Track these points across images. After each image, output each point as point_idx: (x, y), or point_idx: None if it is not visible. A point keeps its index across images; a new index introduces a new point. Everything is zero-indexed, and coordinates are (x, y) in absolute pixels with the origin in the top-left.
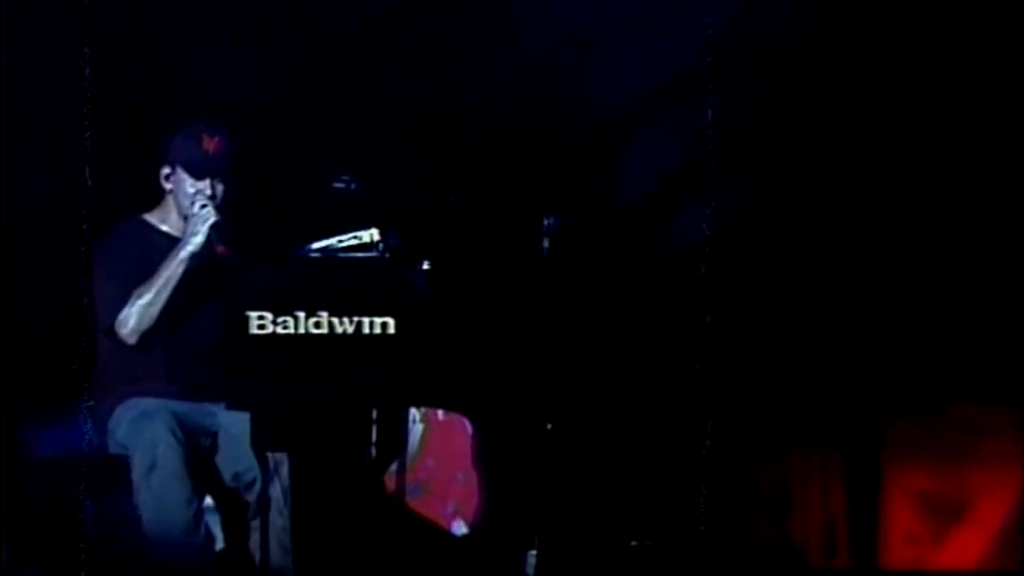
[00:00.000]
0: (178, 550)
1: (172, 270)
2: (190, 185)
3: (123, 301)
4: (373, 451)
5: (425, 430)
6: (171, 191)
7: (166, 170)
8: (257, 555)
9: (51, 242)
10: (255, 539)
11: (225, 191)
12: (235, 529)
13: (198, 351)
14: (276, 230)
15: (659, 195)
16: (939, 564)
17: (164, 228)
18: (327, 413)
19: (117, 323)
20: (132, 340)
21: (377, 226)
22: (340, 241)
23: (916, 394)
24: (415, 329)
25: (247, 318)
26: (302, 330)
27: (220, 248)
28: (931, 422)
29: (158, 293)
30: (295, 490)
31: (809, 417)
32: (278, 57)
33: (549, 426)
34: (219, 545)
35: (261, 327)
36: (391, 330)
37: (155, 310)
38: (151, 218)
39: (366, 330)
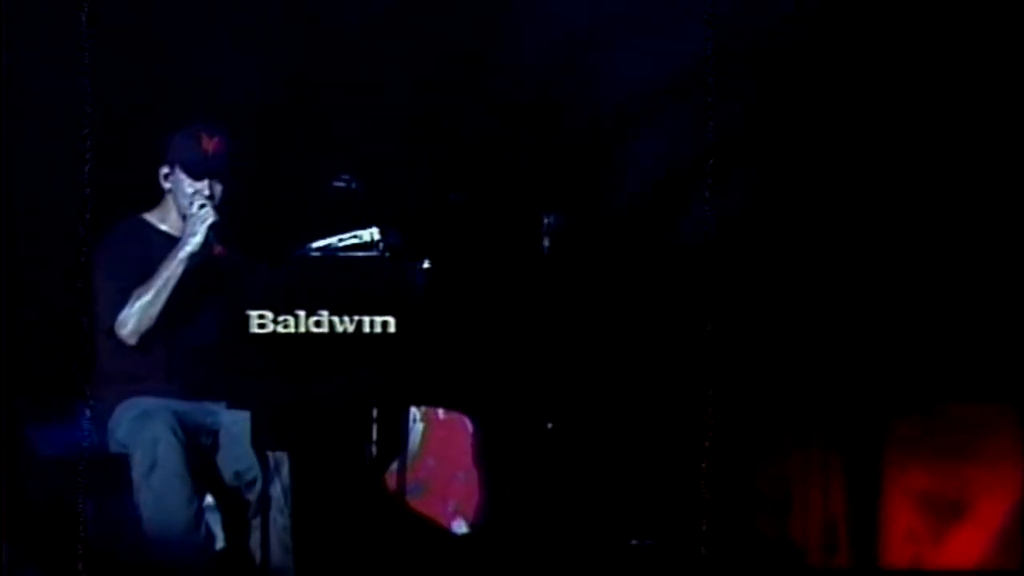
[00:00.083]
0: (179, 549)
1: (171, 270)
2: (188, 185)
3: (123, 301)
4: (374, 450)
5: (426, 429)
6: (170, 191)
7: (165, 170)
8: (258, 554)
9: (51, 242)
10: (256, 538)
11: (224, 191)
12: (236, 528)
13: (199, 351)
14: (276, 230)
15: (659, 194)
16: (939, 563)
17: (164, 228)
18: (328, 412)
19: (117, 324)
20: (132, 341)
21: (377, 225)
22: (340, 240)
23: (916, 393)
24: (415, 328)
25: (247, 317)
26: (302, 329)
27: (218, 249)
28: (931, 421)
29: (157, 293)
30: (296, 489)
31: (809, 417)
32: (278, 57)
33: (549, 425)
34: (220, 544)
35: (261, 326)
36: (391, 329)
37: (155, 311)
38: (151, 218)
39: (366, 329)
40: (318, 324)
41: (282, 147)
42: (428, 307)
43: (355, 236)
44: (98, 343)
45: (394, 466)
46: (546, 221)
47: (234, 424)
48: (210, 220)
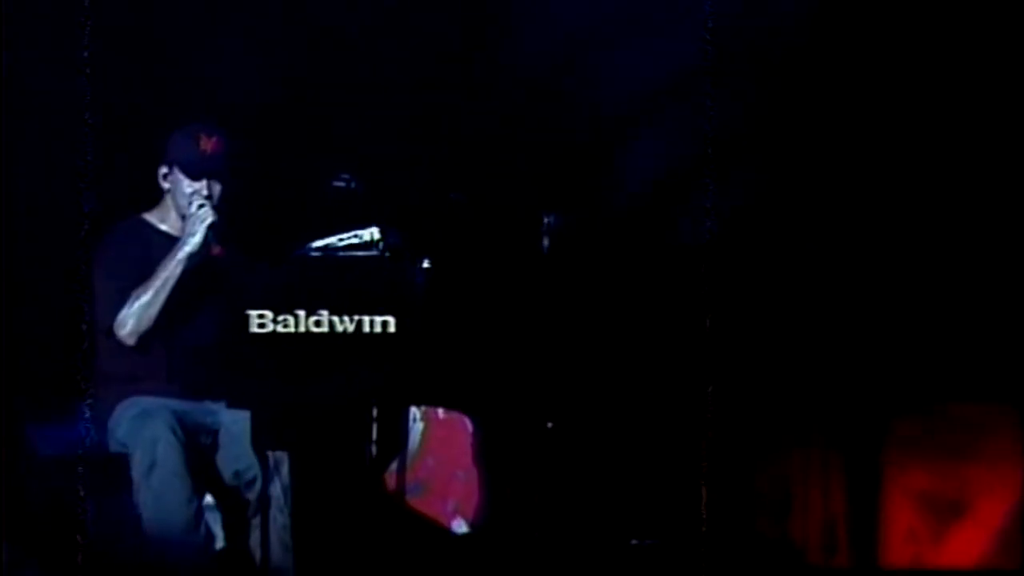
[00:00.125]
0: (178, 548)
1: (170, 271)
2: (187, 185)
3: (122, 301)
4: (373, 449)
5: (425, 429)
6: (169, 191)
7: (164, 169)
8: (257, 553)
9: (51, 242)
10: (255, 537)
11: (223, 191)
12: (235, 527)
13: (198, 350)
14: (276, 230)
15: (659, 194)
16: (939, 563)
17: (163, 227)
18: (327, 412)
19: (116, 324)
20: (131, 341)
21: (377, 225)
22: (340, 240)
23: (916, 393)
24: (415, 328)
25: (247, 317)
26: (302, 329)
27: (216, 249)
28: (931, 421)
29: (156, 294)
30: (295, 488)
31: (809, 417)
32: (278, 57)
33: (549, 425)
34: (219, 543)
35: (261, 326)
36: (391, 329)
37: (154, 311)
38: (150, 217)
39: (366, 329)
40: (318, 324)
41: (282, 147)
42: (428, 307)
43: (355, 236)
44: (98, 343)
45: (394, 466)
46: (546, 221)
47: (234, 424)
48: (209, 220)
